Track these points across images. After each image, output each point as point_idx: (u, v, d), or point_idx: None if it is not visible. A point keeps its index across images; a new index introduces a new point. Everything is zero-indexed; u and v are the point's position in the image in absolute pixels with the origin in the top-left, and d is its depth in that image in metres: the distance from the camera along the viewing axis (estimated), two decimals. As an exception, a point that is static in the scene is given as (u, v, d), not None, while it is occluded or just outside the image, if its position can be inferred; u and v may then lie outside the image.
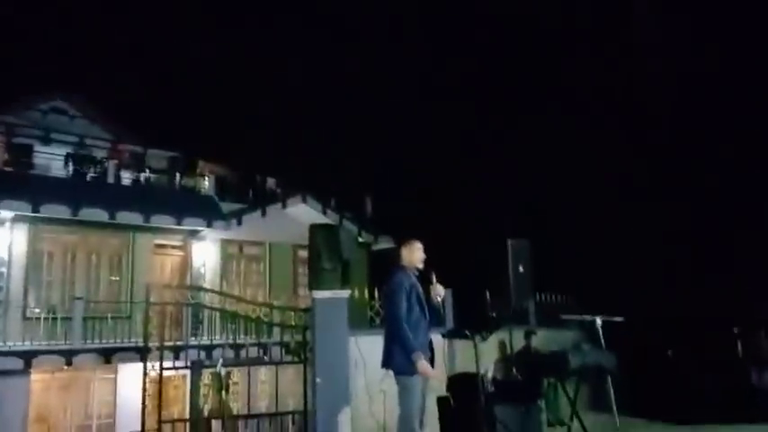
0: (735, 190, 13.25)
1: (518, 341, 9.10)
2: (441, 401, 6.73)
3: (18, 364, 12.52)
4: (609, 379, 7.72)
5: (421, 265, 5.34)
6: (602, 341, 7.56)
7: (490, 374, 6.79)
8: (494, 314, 8.11)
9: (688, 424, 7.75)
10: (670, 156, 15.61)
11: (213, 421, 8.98)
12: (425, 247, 5.41)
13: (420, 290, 5.27)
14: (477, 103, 24.20)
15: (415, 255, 5.32)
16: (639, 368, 9.00)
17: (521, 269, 8.14)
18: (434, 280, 5.33)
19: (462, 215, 20.76)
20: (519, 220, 15.07)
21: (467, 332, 5.78)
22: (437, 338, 6.25)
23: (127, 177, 16.76)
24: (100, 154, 16.85)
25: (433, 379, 5.29)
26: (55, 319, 13.27)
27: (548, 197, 19.41)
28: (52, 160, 15.97)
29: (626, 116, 16.77)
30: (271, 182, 19.31)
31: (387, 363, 5.16)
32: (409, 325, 5.04)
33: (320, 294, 7.78)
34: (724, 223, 13.55)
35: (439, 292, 5.37)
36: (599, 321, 7.75)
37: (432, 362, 5.20)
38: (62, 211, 14.27)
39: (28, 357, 12.61)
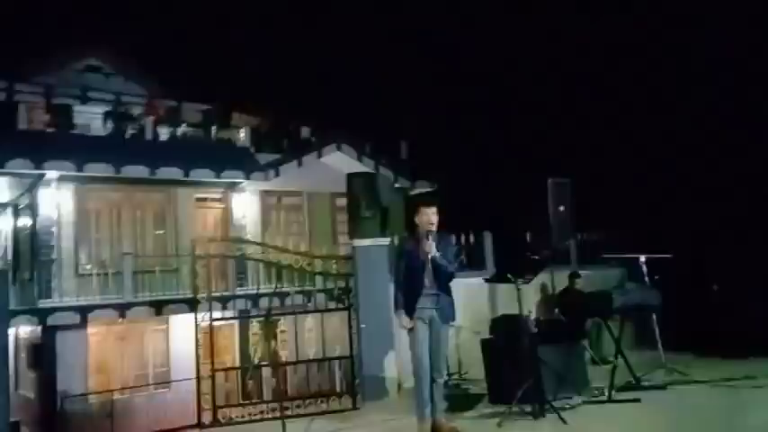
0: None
1: (560, 282, 9.06)
2: (485, 343, 6.82)
3: (75, 318, 13.14)
4: (654, 316, 7.68)
5: (430, 227, 5.33)
6: (647, 279, 7.48)
7: (533, 316, 6.81)
8: (535, 257, 8.07)
9: (733, 359, 7.69)
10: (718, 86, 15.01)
11: (263, 368, 9.26)
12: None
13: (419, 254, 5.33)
14: (516, 39, 23.40)
15: (422, 219, 5.39)
16: (685, 304, 8.90)
17: (561, 209, 8.04)
18: (429, 239, 5.27)
19: (502, 156, 20.42)
20: (560, 159, 14.78)
21: (509, 276, 5.80)
22: (478, 281, 6.31)
23: (164, 133, 16.91)
24: (136, 110, 17.00)
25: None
26: (106, 274, 13.79)
27: (590, 134, 18.91)
28: (92, 119, 16.20)
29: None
30: (305, 131, 19.24)
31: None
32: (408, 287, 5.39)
33: (361, 243, 7.87)
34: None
35: (427, 249, 5.27)
36: (642, 259, 7.65)
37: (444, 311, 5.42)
38: (105, 170, 14.55)
39: (83, 312, 13.21)
